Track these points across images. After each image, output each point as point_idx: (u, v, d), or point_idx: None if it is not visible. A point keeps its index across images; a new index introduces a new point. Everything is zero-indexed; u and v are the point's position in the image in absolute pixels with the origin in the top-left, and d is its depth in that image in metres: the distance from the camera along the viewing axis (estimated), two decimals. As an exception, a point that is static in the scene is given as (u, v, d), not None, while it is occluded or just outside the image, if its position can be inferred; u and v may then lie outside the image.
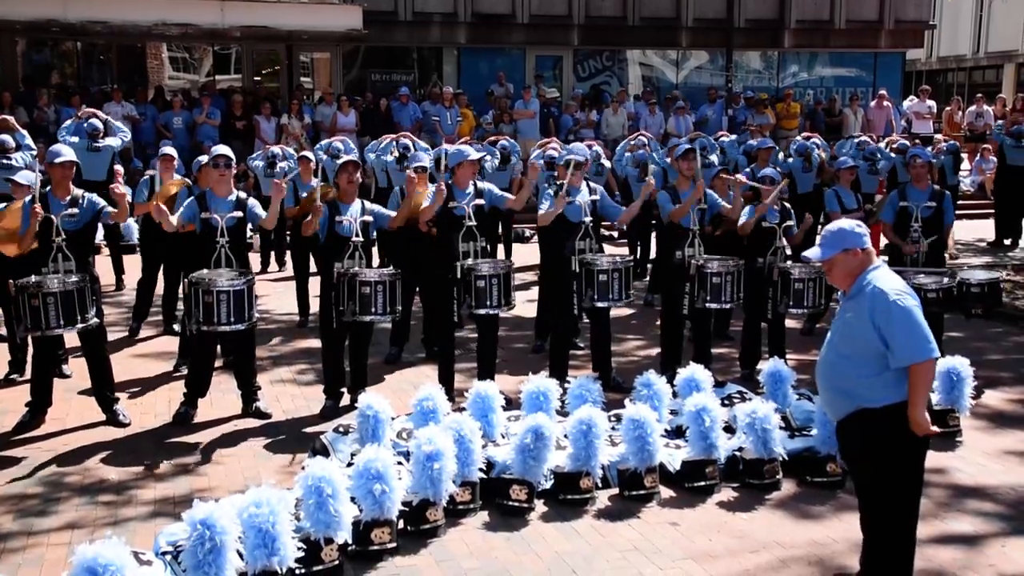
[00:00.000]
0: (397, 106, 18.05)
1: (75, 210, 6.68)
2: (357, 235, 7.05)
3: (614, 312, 8.39)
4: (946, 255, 9.12)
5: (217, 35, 19.25)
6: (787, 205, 8.17)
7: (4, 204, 7.05)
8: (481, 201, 7.37)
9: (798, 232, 8.21)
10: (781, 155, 12.86)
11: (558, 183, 7.48)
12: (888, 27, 24.03)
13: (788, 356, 7.70)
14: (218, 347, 7.39)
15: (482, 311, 7.10)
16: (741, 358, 8.16)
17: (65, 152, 6.87)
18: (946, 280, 7.68)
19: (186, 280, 6.73)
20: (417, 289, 8.55)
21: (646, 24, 22.51)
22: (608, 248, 8.48)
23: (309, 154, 10.52)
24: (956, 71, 38.27)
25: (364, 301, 6.80)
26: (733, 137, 14.14)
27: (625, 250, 12.58)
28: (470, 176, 7.42)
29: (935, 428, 4.18)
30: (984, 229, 16.10)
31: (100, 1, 17.65)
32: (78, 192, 6.82)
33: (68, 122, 10.21)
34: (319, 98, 18.94)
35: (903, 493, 4.28)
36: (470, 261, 7.14)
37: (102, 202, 6.84)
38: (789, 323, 8.34)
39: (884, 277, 4.25)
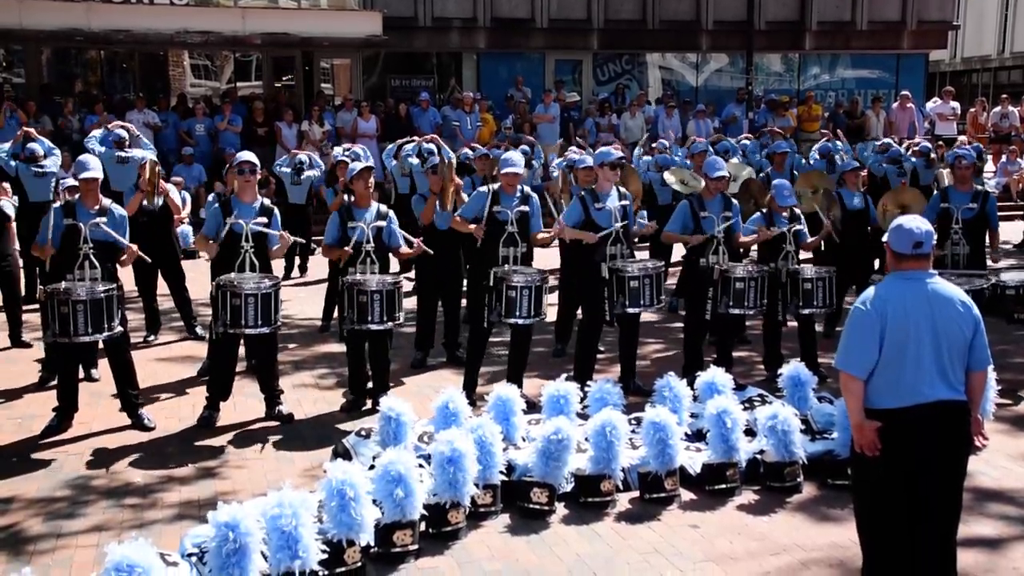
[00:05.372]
0: (417, 111, 18.12)
1: (103, 219, 6.78)
2: (369, 241, 7.10)
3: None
4: (988, 258, 8.94)
5: (238, 42, 19.41)
6: (795, 209, 8.14)
7: None
8: (526, 208, 7.36)
9: (814, 239, 8.19)
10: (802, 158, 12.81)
11: (584, 188, 7.41)
12: (911, 28, 23.86)
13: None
14: (240, 351, 7.46)
15: (511, 320, 7.09)
16: (764, 361, 8.15)
17: (92, 167, 6.95)
18: (978, 282, 7.56)
19: (212, 284, 6.81)
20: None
21: (666, 27, 22.47)
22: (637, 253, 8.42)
23: (351, 159, 10.39)
24: (981, 72, 37.94)
25: (361, 310, 6.87)
26: (755, 140, 14.09)
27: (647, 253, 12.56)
28: (516, 182, 7.36)
29: (868, 446, 4.10)
30: (1010, 231, 15.94)
31: (123, 10, 17.89)
32: (107, 202, 6.93)
33: (95, 132, 10.30)
34: (339, 104, 19.06)
35: (858, 501, 4.36)
36: (504, 268, 7.15)
37: (124, 241, 6.84)
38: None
39: (881, 283, 4.27)
